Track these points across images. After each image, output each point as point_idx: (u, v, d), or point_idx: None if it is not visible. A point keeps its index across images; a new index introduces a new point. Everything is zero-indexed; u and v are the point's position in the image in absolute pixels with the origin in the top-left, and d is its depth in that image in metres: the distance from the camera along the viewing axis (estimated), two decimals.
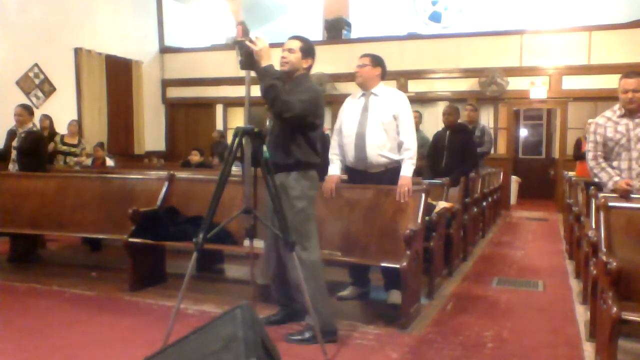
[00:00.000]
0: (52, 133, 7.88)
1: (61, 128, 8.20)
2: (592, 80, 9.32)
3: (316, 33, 11.86)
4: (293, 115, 2.94)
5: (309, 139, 3.11)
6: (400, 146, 3.71)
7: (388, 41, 10.09)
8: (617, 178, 3.49)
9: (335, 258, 3.66)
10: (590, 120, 7.55)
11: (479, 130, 7.08)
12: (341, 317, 3.43)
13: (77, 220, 4.75)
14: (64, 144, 7.76)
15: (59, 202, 4.88)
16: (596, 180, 3.70)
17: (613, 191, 3.42)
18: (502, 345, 3.19)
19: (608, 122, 3.60)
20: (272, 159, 3.00)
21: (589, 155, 3.68)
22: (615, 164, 3.58)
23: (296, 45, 3.09)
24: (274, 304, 3.77)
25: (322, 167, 4.13)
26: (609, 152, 3.60)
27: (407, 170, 3.65)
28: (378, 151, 3.68)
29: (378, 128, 3.67)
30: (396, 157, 3.71)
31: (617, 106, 3.61)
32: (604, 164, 3.60)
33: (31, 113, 5.75)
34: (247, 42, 2.83)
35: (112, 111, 10.53)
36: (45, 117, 7.94)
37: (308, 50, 3.12)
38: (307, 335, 3.10)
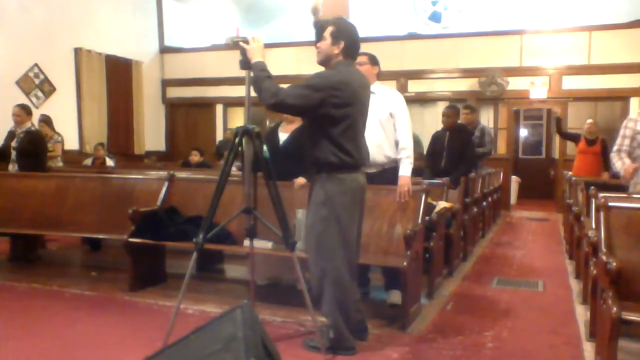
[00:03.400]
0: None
1: (60, 128, 8.16)
2: (592, 80, 9.32)
3: None
4: (278, 102, 2.68)
5: (329, 135, 2.77)
6: (396, 144, 3.71)
7: (388, 41, 10.09)
8: (628, 163, 3.75)
9: None
10: (589, 120, 7.69)
11: (479, 130, 7.06)
12: None
13: (77, 220, 4.74)
14: None
15: (59, 202, 4.88)
16: (614, 169, 4.00)
17: (623, 177, 3.74)
18: (502, 345, 3.19)
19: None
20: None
21: (614, 148, 3.92)
22: None
23: (327, 31, 2.84)
24: (273, 304, 3.77)
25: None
26: (637, 145, 3.81)
27: (405, 170, 3.64)
28: (376, 149, 3.65)
29: (376, 126, 3.64)
30: (394, 155, 3.71)
31: None
32: (623, 155, 3.84)
33: (29, 113, 5.74)
34: (241, 42, 2.81)
35: (112, 111, 10.52)
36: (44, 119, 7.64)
37: (337, 33, 2.82)
38: (326, 344, 2.96)
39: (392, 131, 3.72)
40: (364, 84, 2.97)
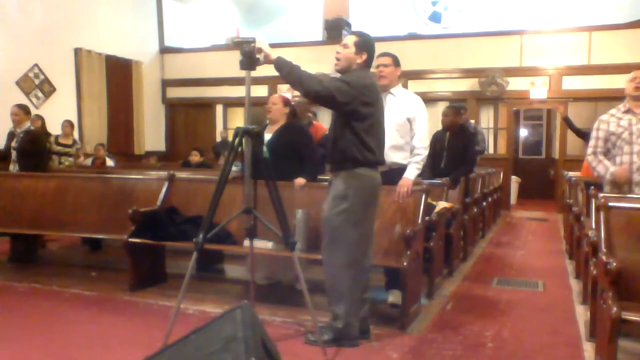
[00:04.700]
0: (45, 133, 7.77)
1: (58, 128, 8.16)
2: (592, 80, 9.32)
3: (316, 33, 11.87)
4: (324, 90, 2.79)
5: (355, 132, 2.90)
6: (411, 150, 3.70)
7: (388, 41, 10.07)
8: (612, 168, 3.63)
9: None
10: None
11: (472, 129, 7.09)
12: None
13: (77, 220, 4.75)
14: (58, 144, 7.69)
15: (59, 202, 4.88)
16: (595, 174, 3.85)
17: (612, 181, 3.60)
18: (502, 345, 3.19)
19: (611, 118, 3.74)
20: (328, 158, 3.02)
21: (589, 151, 3.82)
22: (617, 159, 3.68)
23: (351, 40, 2.97)
24: (273, 304, 3.77)
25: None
26: (611, 146, 3.71)
27: (410, 173, 3.62)
28: (387, 150, 3.61)
29: (390, 128, 3.61)
30: (402, 160, 3.68)
31: (622, 104, 3.76)
32: (601, 157, 3.74)
33: (27, 112, 5.74)
34: (258, 44, 2.80)
35: (112, 111, 10.53)
36: (37, 117, 7.76)
37: (362, 44, 2.96)
38: (326, 337, 2.99)
39: (406, 135, 3.70)
40: (379, 88, 3.14)
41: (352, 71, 2.96)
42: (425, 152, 3.70)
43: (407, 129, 3.70)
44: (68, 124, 8.05)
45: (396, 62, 3.79)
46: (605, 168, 3.67)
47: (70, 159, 7.80)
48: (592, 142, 3.79)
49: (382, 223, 3.71)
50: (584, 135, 7.91)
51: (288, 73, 2.80)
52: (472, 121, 8.34)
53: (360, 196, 2.92)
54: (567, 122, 8.18)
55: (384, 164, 3.13)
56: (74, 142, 8.05)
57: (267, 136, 4.13)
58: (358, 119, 2.90)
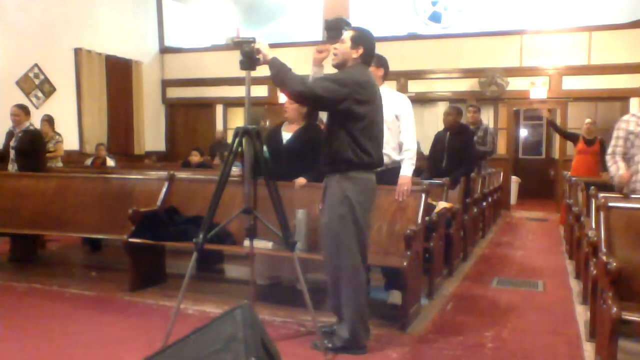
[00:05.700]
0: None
1: (60, 128, 8.15)
2: (592, 80, 9.32)
3: (316, 33, 11.87)
4: (307, 90, 2.74)
5: (350, 132, 2.82)
6: (399, 147, 3.72)
7: (388, 41, 10.07)
8: (621, 171, 3.78)
9: None
10: (587, 120, 7.71)
11: (482, 130, 7.03)
12: None
13: (77, 220, 4.75)
14: None
15: (59, 202, 4.88)
16: (609, 173, 4.06)
17: (619, 183, 3.77)
18: (502, 345, 3.19)
19: (632, 117, 3.90)
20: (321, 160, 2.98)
21: (609, 150, 3.97)
22: (636, 157, 3.81)
23: (347, 35, 2.91)
24: (273, 304, 3.77)
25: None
26: (630, 145, 3.85)
27: (406, 170, 3.65)
28: (383, 150, 3.64)
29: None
30: (397, 157, 3.71)
31: None
32: (617, 158, 3.88)
33: (27, 113, 5.75)
34: (257, 45, 2.79)
35: (112, 111, 10.52)
36: (48, 121, 7.67)
37: (358, 38, 2.89)
38: (333, 345, 2.98)
39: (397, 133, 3.73)
40: (377, 86, 3.05)
41: (346, 68, 2.90)
42: (414, 147, 3.70)
43: (397, 126, 3.72)
44: (44, 117, 7.42)
45: (378, 63, 3.74)
46: (616, 169, 3.84)
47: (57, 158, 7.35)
48: (612, 142, 3.95)
49: (382, 223, 3.72)
50: (570, 136, 7.98)
51: (274, 74, 2.76)
52: (486, 123, 8.22)
53: (357, 199, 2.87)
54: (552, 125, 8.27)
55: (380, 166, 3.08)
56: (52, 138, 7.35)
57: (285, 135, 4.10)
58: (354, 119, 2.82)
